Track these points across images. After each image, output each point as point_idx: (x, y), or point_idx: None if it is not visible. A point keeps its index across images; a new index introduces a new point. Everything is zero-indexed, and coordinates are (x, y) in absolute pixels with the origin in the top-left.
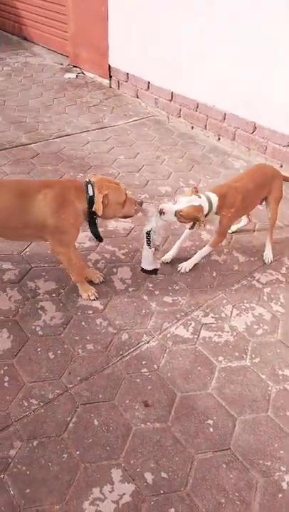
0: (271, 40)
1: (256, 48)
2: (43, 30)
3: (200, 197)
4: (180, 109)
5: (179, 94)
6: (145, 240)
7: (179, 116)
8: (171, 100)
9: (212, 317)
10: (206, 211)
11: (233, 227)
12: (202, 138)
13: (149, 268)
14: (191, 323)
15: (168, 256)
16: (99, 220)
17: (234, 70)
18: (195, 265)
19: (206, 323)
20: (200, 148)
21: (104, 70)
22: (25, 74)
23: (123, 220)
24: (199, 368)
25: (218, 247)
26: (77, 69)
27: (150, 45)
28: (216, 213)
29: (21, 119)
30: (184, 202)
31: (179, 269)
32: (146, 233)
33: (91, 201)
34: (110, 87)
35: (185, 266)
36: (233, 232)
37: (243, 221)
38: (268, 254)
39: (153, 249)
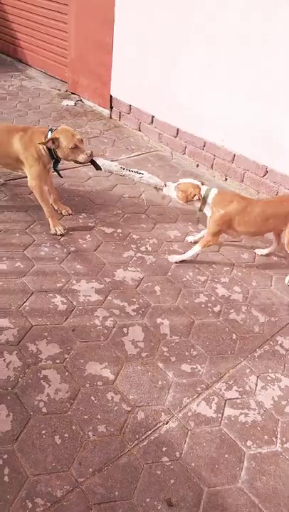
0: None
1: (265, 83)
2: (40, 54)
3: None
4: (185, 146)
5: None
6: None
7: (184, 153)
8: (176, 136)
9: (236, 390)
10: (202, 193)
11: (263, 251)
12: (208, 177)
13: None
14: (213, 399)
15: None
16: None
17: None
18: (213, 325)
19: (229, 399)
20: None
21: (105, 99)
22: (21, 99)
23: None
24: (226, 455)
25: (207, 248)
26: (76, 96)
27: (155, 78)
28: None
29: None
30: (185, 180)
31: (170, 259)
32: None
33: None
34: (111, 117)
35: (176, 258)
36: (262, 255)
37: (273, 245)
38: None
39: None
